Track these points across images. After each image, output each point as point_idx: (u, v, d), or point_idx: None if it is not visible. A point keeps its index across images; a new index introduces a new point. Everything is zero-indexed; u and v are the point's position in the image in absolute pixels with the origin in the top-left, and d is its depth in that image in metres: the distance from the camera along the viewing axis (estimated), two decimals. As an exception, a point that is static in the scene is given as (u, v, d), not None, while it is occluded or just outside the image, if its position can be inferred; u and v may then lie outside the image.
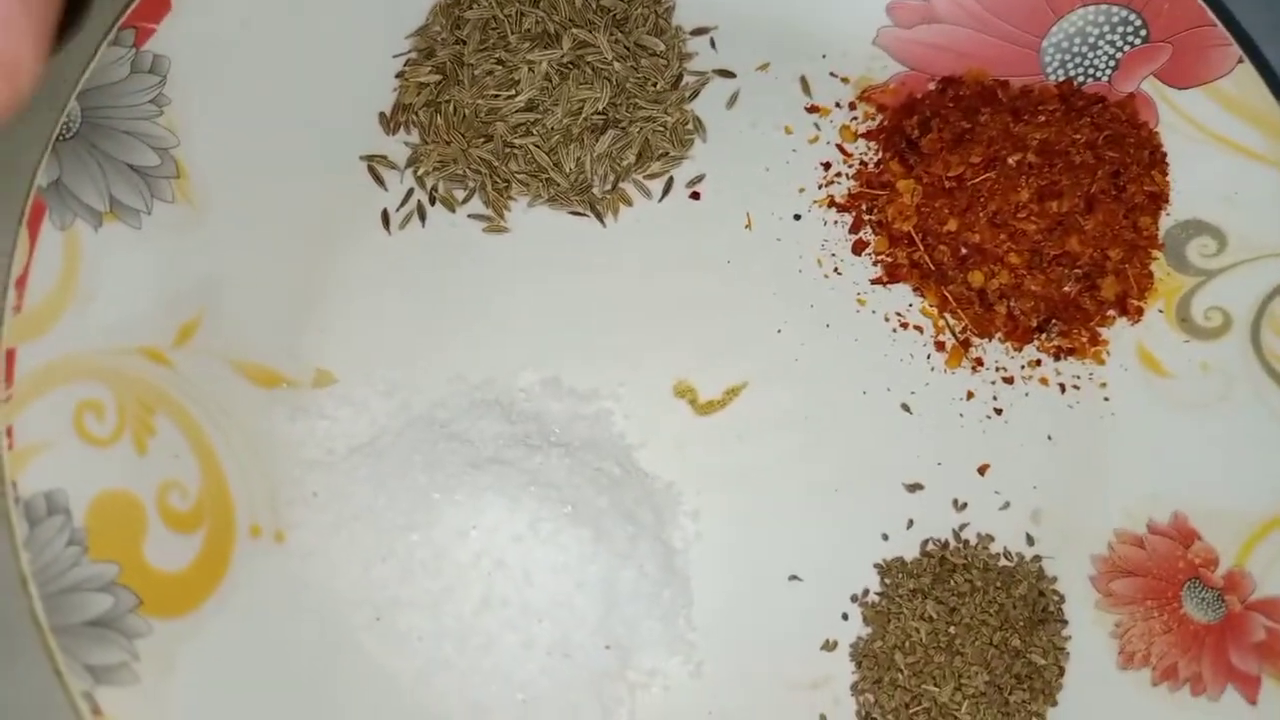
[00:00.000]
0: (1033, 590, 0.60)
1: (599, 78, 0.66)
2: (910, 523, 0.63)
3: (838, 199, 0.68)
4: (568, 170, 0.66)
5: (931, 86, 0.70)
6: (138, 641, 0.52)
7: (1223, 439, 0.62)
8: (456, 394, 0.63)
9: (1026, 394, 0.65)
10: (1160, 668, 0.59)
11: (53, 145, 0.57)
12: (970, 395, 0.65)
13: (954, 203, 0.65)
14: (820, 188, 0.69)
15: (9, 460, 0.52)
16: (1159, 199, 0.66)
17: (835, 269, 0.67)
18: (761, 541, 0.62)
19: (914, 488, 0.63)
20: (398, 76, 0.68)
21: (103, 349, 0.56)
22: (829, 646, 0.60)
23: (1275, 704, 0.57)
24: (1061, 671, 0.59)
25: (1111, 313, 0.66)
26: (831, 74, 0.70)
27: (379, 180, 0.67)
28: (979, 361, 0.66)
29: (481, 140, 0.66)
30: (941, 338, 0.66)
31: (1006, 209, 0.64)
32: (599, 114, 0.66)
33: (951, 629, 0.59)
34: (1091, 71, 0.68)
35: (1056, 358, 0.66)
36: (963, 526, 0.63)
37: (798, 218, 0.68)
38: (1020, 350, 0.66)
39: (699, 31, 0.70)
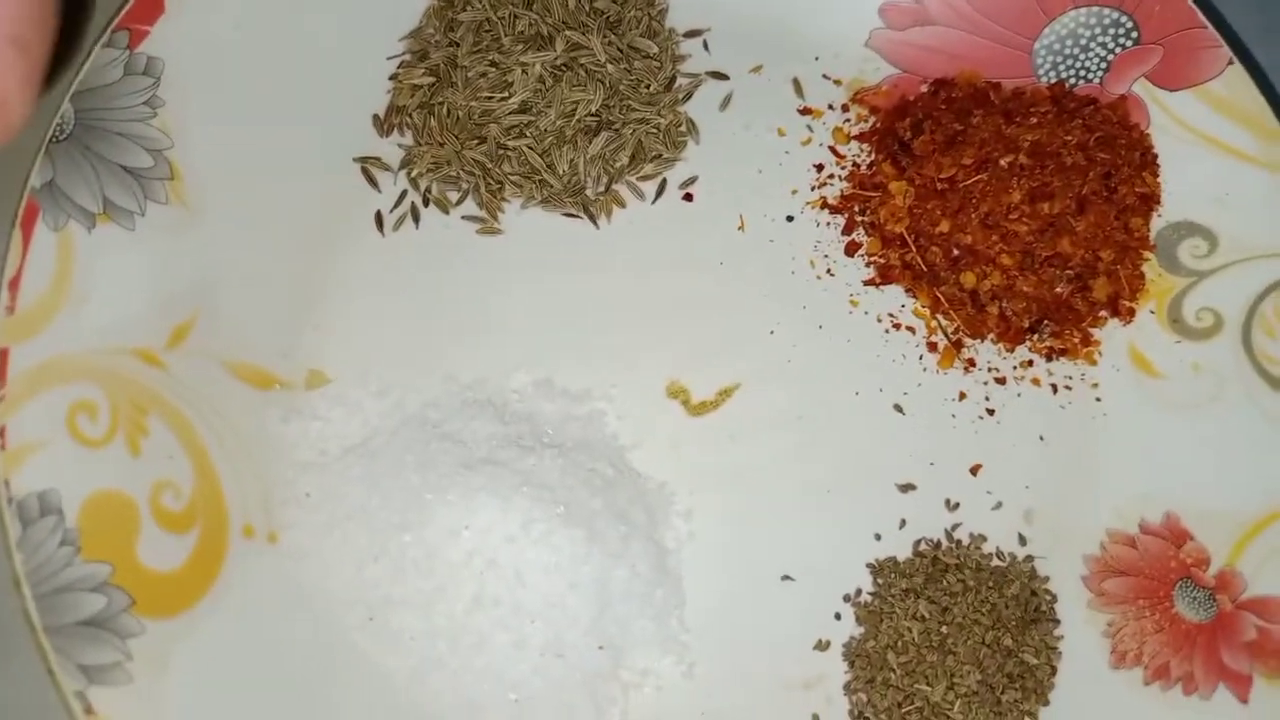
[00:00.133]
0: (1025, 590, 0.60)
1: (592, 80, 0.66)
2: (903, 523, 0.63)
3: (830, 200, 0.69)
4: (561, 172, 0.66)
5: (924, 88, 0.70)
6: (131, 641, 0.52)
7: (1214, 439, 0.62)
8: (449, 395, 0.63)
9: (1019, 394, 0.65)
10: (1152, 667, 0.59)
11: (46, 147, 0.57)
12: (963, 396, 0.65)
13: (946, 204, 0.65)
14: (813, 189, 0.69)
15: (2, 460, 0.52)
16: (1150, 200, 0.66)
17: (828, 270, 0.67)
18: (754, 541, 0.62)
19: (906, 488, 0.63)
20: (391, 79, 0.68)
21: (96, 350, 0.56)
22: (822, 646, 0.60)
23: (1267, 703, 0.57)
24: (1054, 671, 0.59)
25: (1103, 314, 0.66)
26: (824, 76, 0.71)
27: (372, 182, 0.67)
28: (971, 362, 0.66)
29: (475, 142, 0.66)
30: (934, 338, 0.66)
31: (998, 210, 0.64)
32: (592, 116, 0.66)
33: (944, 628, 0.59)
34: (1083, 73, 0.68)
35: (1048, 358, 0.66)
36: (955, 526, 0.63)
37: (790, 219, 0.68)
38: (1012, 351, 0.66)
39: (692, 34, 0.70)
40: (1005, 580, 0.60)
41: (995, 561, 0.62)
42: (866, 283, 0.67)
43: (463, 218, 0.67)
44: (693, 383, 0.65)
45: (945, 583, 0.60)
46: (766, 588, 0.61)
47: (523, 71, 0.65)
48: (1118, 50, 0.67)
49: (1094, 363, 0.66)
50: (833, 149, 0.70)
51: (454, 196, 0.67)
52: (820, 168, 0.69)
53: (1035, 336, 0.66)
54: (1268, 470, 0.61)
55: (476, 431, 0.61)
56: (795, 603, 0.61)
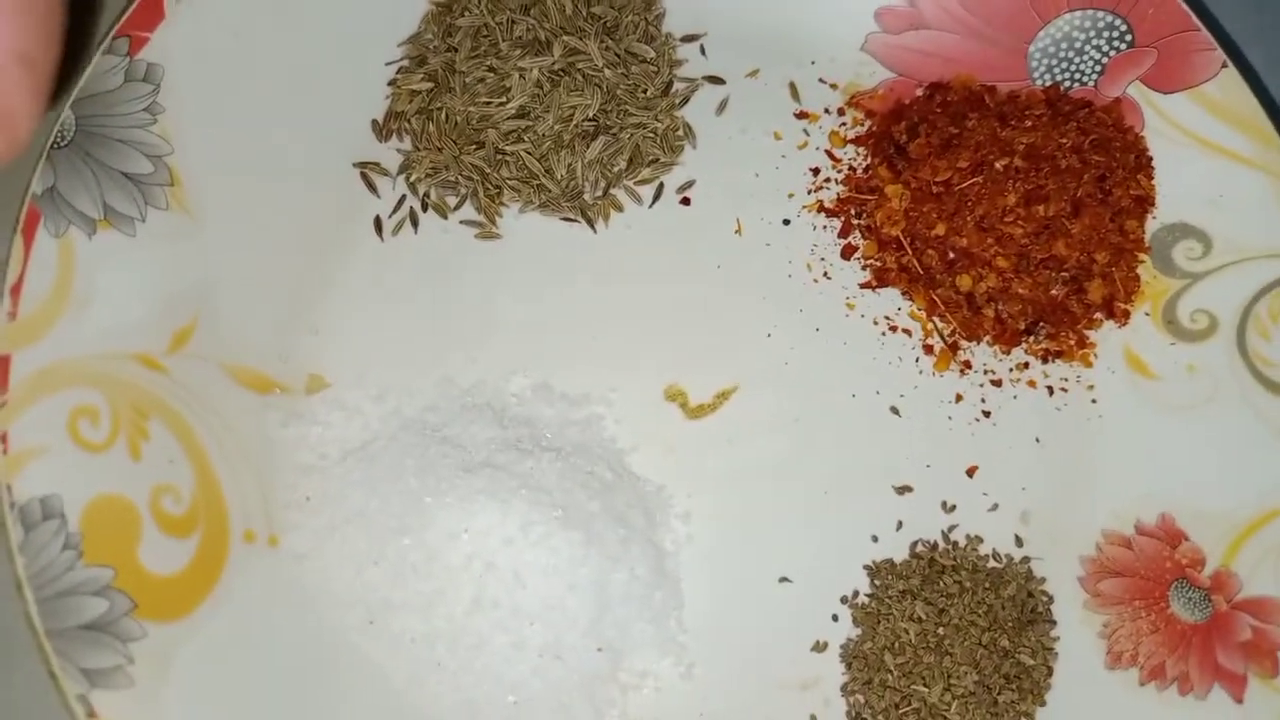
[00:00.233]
0: (1021, 591, 0.61)
1: (590, 85, 0.67)
2: (899, 524, 0.63)
3: (827, 204, 0.69)
4: (559, 177, 0.66)
5: (919, 92, 0.71)
6: (132, 645, 0.52)
7: (1209, 440, 0.63)
8: (448, 399, 0.63)
9: (1014, 396, 0.66)
10: (1148, 667, 0.59)
11: (47, 153, 0.57)
12: (959, 398, 0.66)
13: (942, 207, 0.65)
14: (809, 193, 0.69)
15: (4, 465, 0.52)
16: (1145, 202, 0.66)
17: (824, 273, 0.68)
18: (752, 544, 0.62)
19: (903, 490, 0.64)
20: (390, 84, 0.68)
21: (97, 355, 0.56)
22: (819, 648, 0.61)
23: (1261, 702, 0.57)
24: (1050, 671, 0.59)
25: (1098, 316, 0.66)
26: (820, 80, 0.71)
27: (371, 187, 0.67)
28: (967, 364, 0.66)
29: (473, 147, 0.66)
30: (930, 341, 0.67)
31: (994, 213, 0.64)
32: (590, 121, 0.67)
33: (940, 630, 0.59)
34: (1078, 76, 0.69)
35: (1044, 360, 0.66)
36: (952, 528, 0.63)
37: (787, 223, 0.68)
38: (1008, 353, 0.66)
39: (689, 38, 0.71)
40: (1002, 581, 0.61)
41: (992, 563, 0.62)
42: (863, 285, 0.68)
43: (461, 222, 0.67)
44: (690, 386, 0.65)
45: (942, 584, 0.60)
46: (764, 589, 0.61)
47: (520, 77, 0.66)
48: (1112, 53, 0.68)
49: (1089, 365, 0.66)
50: (829, 153, 0.70)
51: (452, 201, 0.67)
52: (816, 171, 0.70)
53: (1031, 339, 0.66)
54: (1262, 471, 0.61)
55: (475, 435, 0.61)
56: (793, 604, 0.61)
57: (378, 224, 0.67)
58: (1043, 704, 0.59)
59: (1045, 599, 0.61)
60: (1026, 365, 0.66)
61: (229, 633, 0.55)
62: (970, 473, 0.64)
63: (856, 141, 0.70)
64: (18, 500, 0.52)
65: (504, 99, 0.66)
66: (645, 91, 0.68)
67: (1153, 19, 0.66)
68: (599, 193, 0.68)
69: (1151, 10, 0.66)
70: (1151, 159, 0.67)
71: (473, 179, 0.67)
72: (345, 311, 0.65)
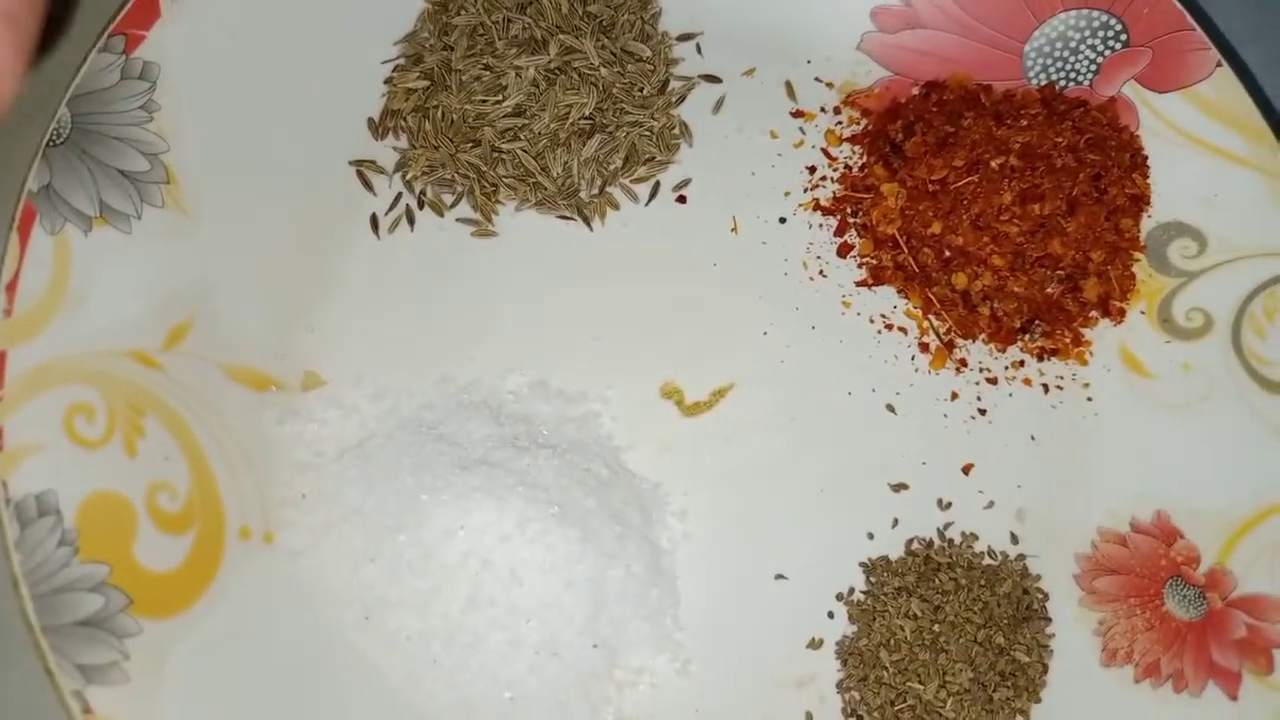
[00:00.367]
0: (1017, 588, 0.61)
1: (585, 83, 0.67)
2: (895, 522, 0.63)
3: (823, 202, 0.69)
4: (555, 175, 0.66)
5: (915, 91, 0.71)
6: (128, 641, 0.52)
7: (1204, 438, 0.63)
8: (445, 396, 0.63)
9: (1010, 394, 0.66)
10: (1143, 664, 0.59)
11: (43, 151, 0.57)
12: (954, 396, 0.66)
13: (938, 206, 0.66)
14: (805, 191, 0.69)
15: (0, 461, 0.52)
16: (1140, 201, 0.67)
17: (820, 271, 0.68)
18: (748, 541, 0.62)
19: (899, 487, 0.64)
20: (386, 82, 0.68)
21: (93, 352, 0.57)
22: (815, 645, 0.61)
23: (1256, 700, 0.57)
24: (1045, 669, 0.60)
25: (1094, 314, 0.66)
26: (816, 79, 0.71)
27: (368, 185, 0.67)
28: (963, 362, 0.66)
29: (469, 145, 0.66)
30: (926, 339, 0.67)
31: (989, 212, 0.65)
32: (586, 119, 0.67)
33: (936, 627, 0.59)
34: (1073, 76, 0.69)
35: (1040, 358, 0.66)
36: (947, 525, 0.63)
37: (783, 221, 0.69)
38: (1004, 351, 0.67)
39: (685, 37, 0.71)
40: (997, 579, 0.61)
41: (987, 560, 0.62)
42: (859, 284, 0.68)
43: (457, 220, 0.67)
44: (687, 384, 0.65)
45: (937, 581, 0.61)
46: (760, 587, 0.61)
47: (517, 75, 0.66)
48: (1107, 53, 0.68)
49: (1085, 363, 0.66)
50: (825, 151, 0.70)
51: (449, 199, 0.67)
52: (813, 170, 0.70)
53: (1026, 337, 0.66)
54: (1257, 469, 0.61)
55: (472, 433, 0.61)
56: (788, 601, 0.61)
57: (374, 222, 0.67)
58: (1038, 701, 0.59)
59: (1040, 596, 0.61)
60: (1022, 363, 0.66)
61: (224, 629, 0.55)
62: (966, 470, 0.64)
63: (852, 140, 0.70)
64: (13, 496, 0.52)
65: (500, 97, 0.66)
66: (641, 90, 0.68)
67: (1147, 19, 0.66)
68: (595, 191, 0.68)
69: (1146, 10, 0.66)
70: (1146, 158, 0.67)
71: (469, 177, 0.67)
72: (341, 309, 0.65)
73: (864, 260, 0.68)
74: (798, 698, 0.60)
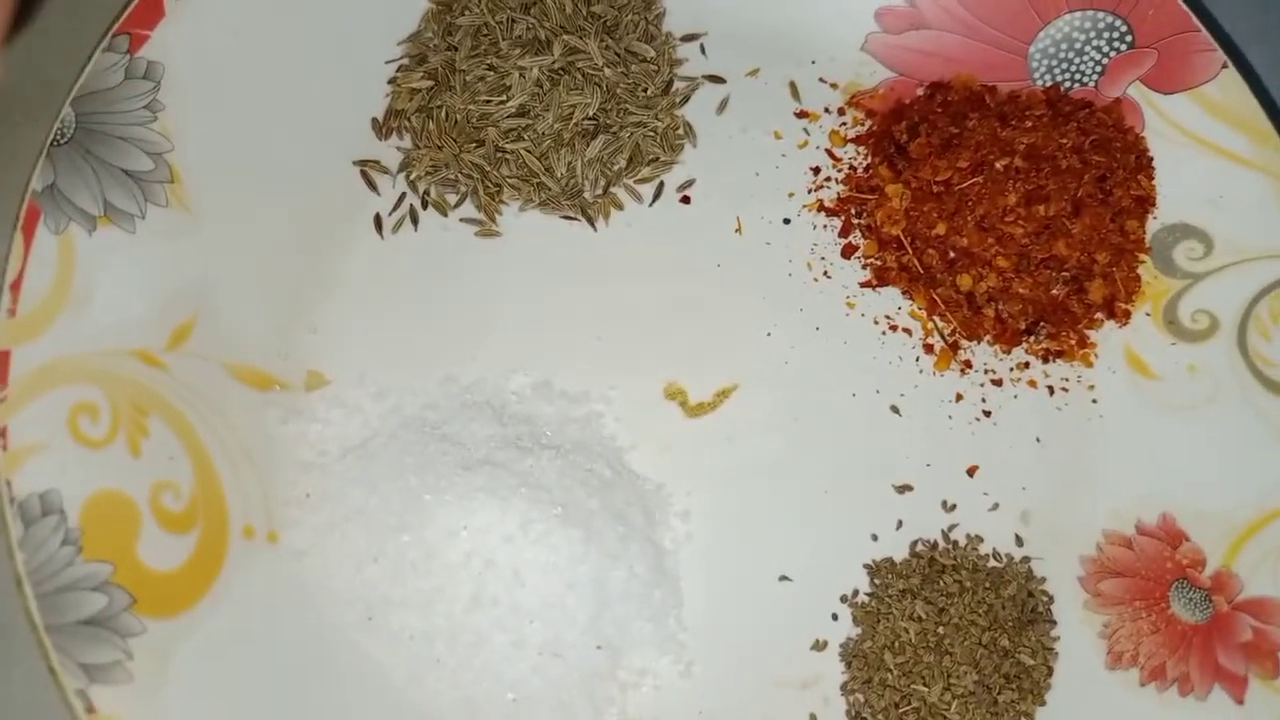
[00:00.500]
0: (1021, 591, 0.61)
1: (589, 84, 0.67)
2: (900, 524, 0.63)
3: (827, 203, 0.69)
4: (559, 175, 0.66)
5: (920, 92, 0.71)
6: (131, 640, 0.52)
7: (1210, 440, 0.63)
8: (448, 396, 0.63)
9: (1015, 396, 0.66)
10: (1148, 667, 0.59)
11: (47, 150, 0.57)
12: (959, 397, 0.65)
13: (942, 207, 0.65)
14: (809, 192, 0.69)
15: (4, 461, 0.52)
16: (1145, 203, 0.66)
17: (824, 272, 0.68)
18: (751, 542, 0.62)
19: (903, 489, 0.64)
20: (390, 82, 0.68)
21: (97, 351, 0.57)
22: (819, 646, 0.61)
23: (1262, 703, 0.57)
24: (1050, 671, 0.59)
25: (1099, 315, 0.66)
26: (820, 80, 0.71)
27: (371, 185, 0.67)
28: (968, 364, 0.66)
29: (473, 145, 0.66)
30: (930, 340, 0.67)
31: (994, 213, 0.64)
32: (590, 119, 0.67)
33: (940, 629, 0.59)
34: (1078, 77, 0.69)
35: (1045, 360, 0.66)
36: (952, 527, 0.63)
37: (787, 222, 0.69)
38: (1009, 353, 0.66)
39: (689, 38, 0.71)
40: (1002, 581, 0.61)
41: (992, 562, 0.62)
42: (863, 285, 0.68)
43: (461, 220, 0.67)
44: (690, 384, 0.65)
45: (942, 583, 0.60)
46: (764, 588, 0.61)
47: (520, 75, 0.66)
48: (1112, 54, 0.68)
49: (1090, 365, 0.66)
50: (829, 152, 0.70)
51: (452, 199, 0.67)
52: (817, 170, 0.70)
53: (1031, 338, 0.66)
54: (1263, 471, 0.61)
55: (475, 433, 0.61)
56: (792, 603, 0.61)
57: (378, 222, 0.67)
58: (1043, 704, 0.59)
59: (1045, 599, 0.61)
60: (1027, 365, 0.66)
61: (228, 629, 0.55)
62: (971, 472, 0.64)
63: (857, 141, 0.70)
64: (17, 496, 0.52)
65: (504, 97, 0.66)
66: (645, 90, 0.68)
67: (1153, 20, 0.66)
68: (599, 191, 0.68)
69: (1152, 11, 0.66)
70: (1152, 159, 0.67)
71: (473, 177, 0.67)
72: (345, 309, 0.65)
73: (868, 261, 0.68)
74: (801, 700, 0.60)
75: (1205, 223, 0.66)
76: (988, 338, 0.66)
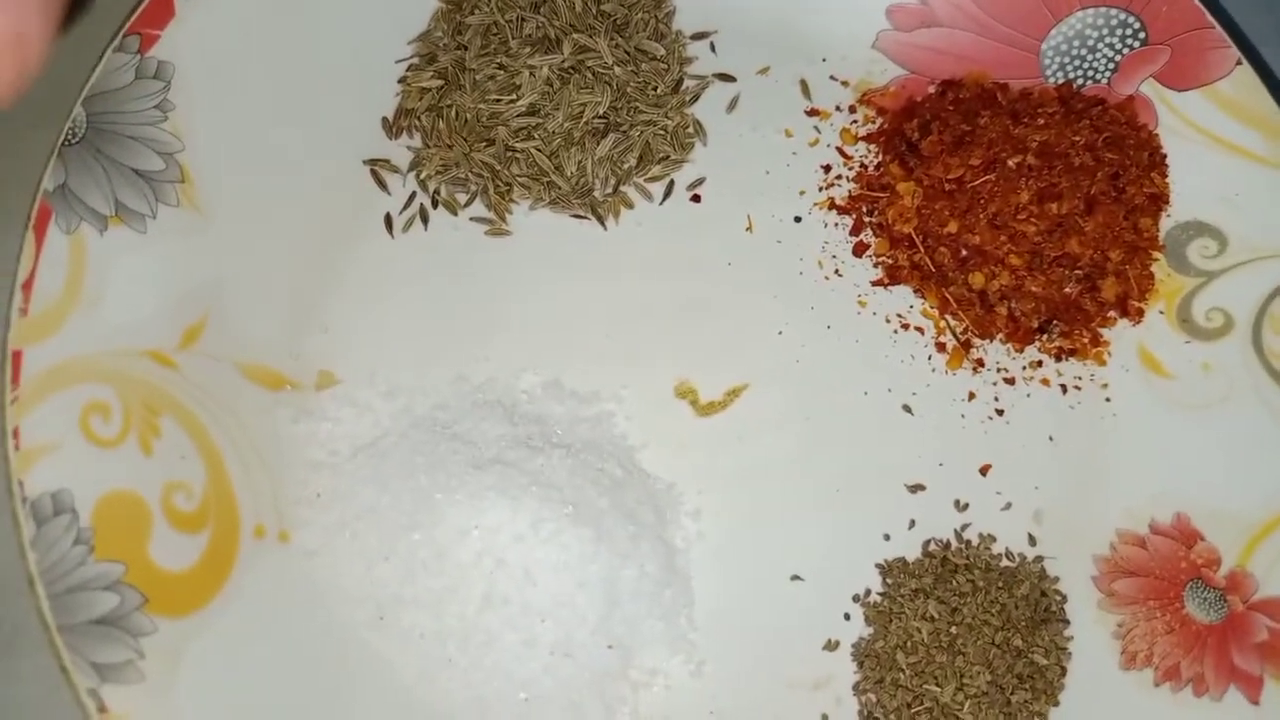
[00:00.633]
0: (1035, 590, 0.60)
1: (600, 82, 0.66)
2: (912, 523, 0.63)
3: (838, 201, 0.69)
4: (569, 174, 0.66)
5: (931, 89, 0.70)
6: (143, 639, 0.52)
7: (1224, 439, 0.62)
8: (459, 396, 0.63)
9: (1028, 395, 0.65)
10: (1163, 668, 0.59)
11: (58, 150, 0.57)
12: (972, 396, 0.65)
13: (954, 205, 0.65)
14: (820, 190, 0.69)
15: (16, 461, 0.52)
16: (1159, 200, 0.66)
17: (836, 271, 0.67)
18: (763, 541, 0.62)
19: (915, 488, 0.63)
20: (400, 81, 0.68)
21: (108, 351, 0.57)
22: (831, 646, 0.60)
23: (1278, 704, 0.57)
24: (1063, 671, 0.59)
25: (1112, 314, 0.66)
26: (831, 77, 0.71)
27: (382, 184, 0.67)
28: (980, 362, 0.66)
29: (483, 144, 0.66)
30: (942, 339, 0.66)
31: (1006, 211, 0.64)
32: (600, 118, 0.67)
33: (953, 629, 0.59)
34: (1091, 74, 0.68)
35: (1058, 359, 0.66)
36: (964, 527, 0.63)
37: (798, 220, 0.68)
38: (1021, 351, 0.66)
39: (699, 36, 0.71)
40: (1015, 581, 0.60)
41: (1005, 562, 0.62)
42: (875, 283, 0.67)
43: (471, 219, 0.67)
44: (701, 383, 0.65)
45: (955, 583, 0.60)
46: (775, 588, 0.61)
47: (530, 74, 0.66)
48: (1125, 51, 0.67)
49: (1103, 363, 0.65)
50: (840, 150, 0.70)
51: (463, 198, 0.67)
52: (828, 169, 0.69)
53: (1044, 337, 0.66)
54: (1278, 470, 0.61)
55: (486, 432, 0.61)
56: (804, 603, 0.61)
57: (388, 221, 0.67)
58: (1056, 704, 0.58)
59: (1059, 598, 0.61)
60: (1040, 363, 0.66)
61: (239, 628, 0.55)
62: (983, 471, 0.64)
63: (868, 139, 0.70)
64: (29, 495, 0.52)
65: (514, 96, 0.66)
66: (655, 89, 0.68)
67: (1166, 16, 0.66)
68: (609, 190, 0.68)
69: (1165, 7, 0.66)
70: (1165, 157, 0.66)
71: (483, 176, 0.66)
72: (355, 308, 0.65)
73: (880, 259, 0.68)
74: (813, 700, 0.59)
75: (1219, 220, 0.65)
76: (1000, 336, 0.66)
